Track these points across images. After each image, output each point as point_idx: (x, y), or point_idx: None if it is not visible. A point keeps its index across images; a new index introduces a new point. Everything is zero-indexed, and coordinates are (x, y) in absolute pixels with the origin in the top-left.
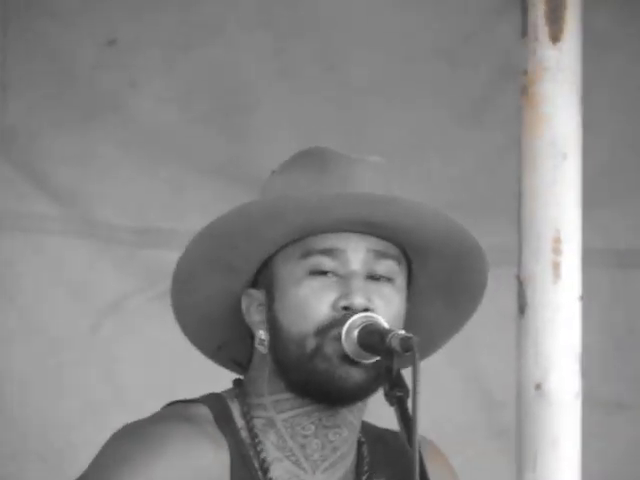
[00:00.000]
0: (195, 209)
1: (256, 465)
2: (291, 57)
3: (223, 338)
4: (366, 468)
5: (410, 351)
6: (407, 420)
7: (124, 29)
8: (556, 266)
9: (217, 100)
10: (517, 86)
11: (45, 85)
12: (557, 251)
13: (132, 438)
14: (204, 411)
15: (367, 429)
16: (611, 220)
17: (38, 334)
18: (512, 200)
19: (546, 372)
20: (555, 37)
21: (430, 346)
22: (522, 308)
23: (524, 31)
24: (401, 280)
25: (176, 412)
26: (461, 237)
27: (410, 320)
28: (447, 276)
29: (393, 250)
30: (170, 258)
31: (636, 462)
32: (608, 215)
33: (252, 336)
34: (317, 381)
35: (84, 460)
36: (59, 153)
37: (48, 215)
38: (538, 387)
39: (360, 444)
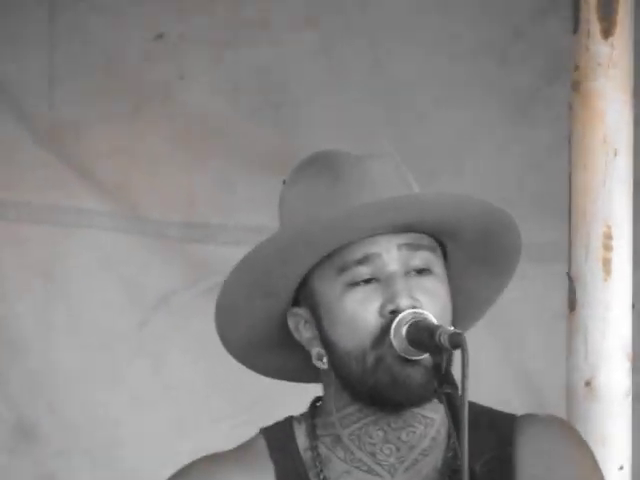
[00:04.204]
0: (244, 204)
1: None
2: (338, 55)
3: (275, 356)
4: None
5: (459, 347)
6: (456, 417)
7: (171, 24)
8: (606, 263)
9: (265, 96)
10: (568, 82)
11: (93, 78)
12: (608, 247)
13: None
14: (259, 442)
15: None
16: None
17: (87, 329)
18: (563, 197)
19: (596, 369)
20: (607, 32)
21: (471, 315)
22: (572, 305)
23: (575, 27)
24: (440, 268)
25: (229, 452)
26: (491, 212)
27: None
28: (482, 247)
29: (426, 240)
30: (218, 253)
31: None
32: None
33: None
34: (382, 392)
35: (132, 455)
36: (107, 147)
37: (97, 210)
38: (588, 384)
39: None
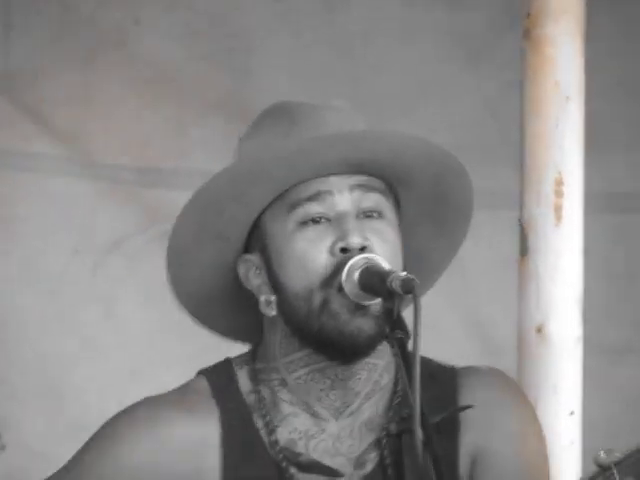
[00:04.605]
0: (196, 149)
1: (258, 426)
2: (291, 1)
3: (225, 312)
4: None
5: (411, 293)
6: (408, 362)
7: None
8: (558, 209)
9: (218, 42)
10: (520, 30)
11: (48, 25)
12: (559, 194)
13: (110, 423)
14: (202, 384)
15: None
16: (613, 164)
17: (39, 273)
18: (514, 144)
19: (547, 316)
20: None
21: (427, 277)
22: (524, 251)
23: None
24: (391, 214)
25: (171, 392)
26: (441, 157)
27: (404, 253)
28: (433, 200)
29: (378, 184)
30: (171, 198)
31: (637, 408)
32: (610, 159)
33: (256, 302)
34: (328, 337)
35: (84, 398)
36: (62, 93)
37: (51, 155)
38: (539, 330)
39: (396, 384)
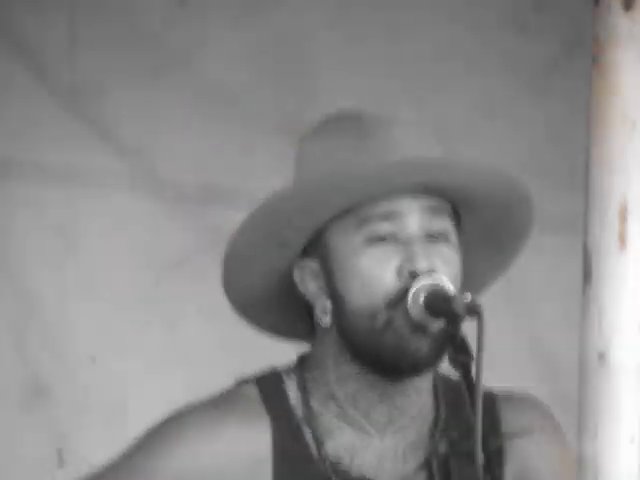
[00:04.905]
0: (260, 168)
1: (308, 439)
2: (355, 24)
3: (282, 311)
4: (442, 428)
5: (476, 315)
6: (470, 385)
7: None
8: (622, 234)
9: (285, 62)
10: (587, 55)
11: (114, 41)
12: (623, 220)
13: (158, 429)
14: (252, 391)
15: (446, 383)
16: None
17: (100, 290)
18: (579, 170)
19: (609, 342)
20: (628, 5)
21: (473, 292)
22: (587, 277)
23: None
24: (455, 237)
25: (221, 398)
26: (512, 188)
27: None
28: (495, 226)
29: (446, 206)
30: (233, 218)
31: None
32: None
33: (310, 308)
34: (388, 355)
35: (147, 415)
36: (127, 109)
37: (114, 170)
38: (601, 357)
39: (437, 406)
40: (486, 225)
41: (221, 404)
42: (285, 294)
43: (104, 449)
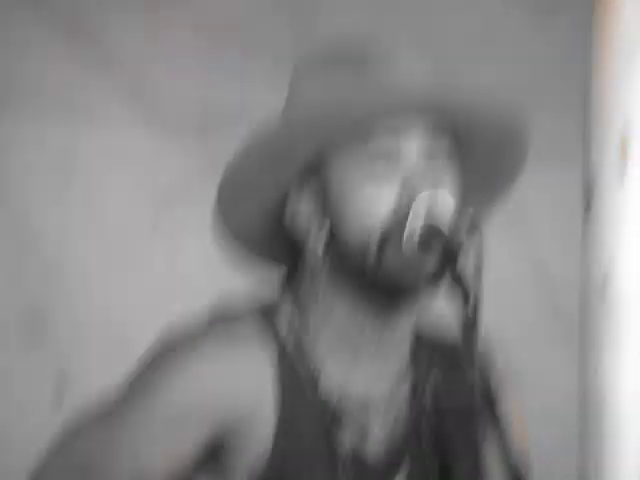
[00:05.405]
0: (261, 94)
1: (302, 372)
2: None
3: (267, 243)
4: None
5: (476, 229)
6: (468, 305)
7: None
8: (623, 163)
9: None
10: None
11: None
12: (624, 148)
13: (173, 361)
14: (249, 323)
15: (429, 338)
16: None
17: (101, 222)
18: (580, 98)
19: (611, 269)
20: None
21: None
22: (588, 205)
23: None
24: (454, 158)
25: (221, 331)
26: (509, 116)
27: None
28: (489, 157)
29: (446, 142)
30: (233, 145)
31: None
32: None
33: (298, 237)
34: (391, 272)
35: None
36: (128, 38)
37: (114, 102)
38: (603, 284)
39: (413, 352)
40: (480, 159)
41: (222, 336)
42: (275, 223)
43: (106, 380)
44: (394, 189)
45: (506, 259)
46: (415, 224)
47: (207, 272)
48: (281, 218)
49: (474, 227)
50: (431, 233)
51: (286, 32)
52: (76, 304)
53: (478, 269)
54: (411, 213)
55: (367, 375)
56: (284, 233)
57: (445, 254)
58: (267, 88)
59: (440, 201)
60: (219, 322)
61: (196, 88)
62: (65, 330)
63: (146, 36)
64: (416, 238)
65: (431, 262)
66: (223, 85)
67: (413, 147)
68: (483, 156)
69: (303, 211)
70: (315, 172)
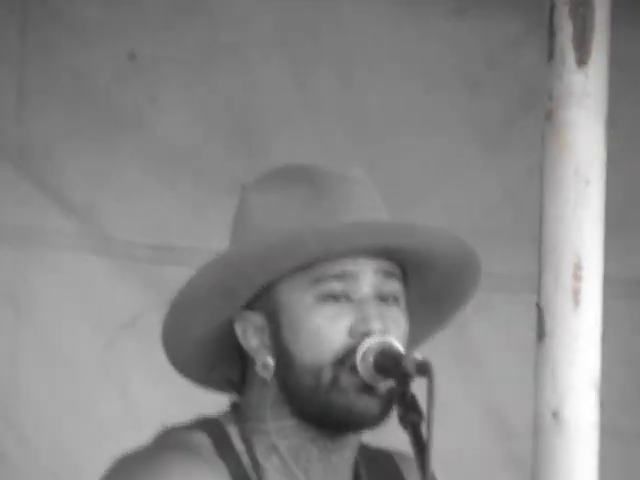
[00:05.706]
0: (214, 228)
1: None
2: (309, 82)
3: (214, 361)
4: None
5: (426, 375)
6: (421, 445)
7: (144, 45)
8: (576, 293)
9: (236, 122)
10: (542, 112)
11: (63, 99)
12: (577, 277)
13: (132, 471)
14: (203, 439)
15: (362, 448)
16: (633, 249)
17: (52, 350)
18: (535, 227)
19: (563, 400)
20: (581, 61)
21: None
22: (541, 335)
23: (550, 55)
24: (403, 300)
25: (175, 441)
26: (465, 253)
27: None
28: (439, 289)
29: (397, 270)
30: (187, 276)
31: None
32: (630, 244)
33: (245, 358)
34: (334, 414)
35: (97, 478)
36: (77, 168)
37: (65, 231)
38: (555, 415)
39: (356, 463)
40: (430, 287)
41: (178, 452)
42: (221, 344)
43: None
44: (346, 320)
45: (457, 393)
46: (368, 351)
47: (158, 401)
48: (225, 340)
49: (424, 362)
50: (386, 355)
51: (237, 163)
52: (28, 435)
53: (430, 399)
54: (363, 348)
55: None
56: (227, 354)
57: (399, 379)
58: (219, 220)
59: (388, 345)
60: (172, 433)
61: (147, 220)
62: (18, 460)
63: (96, 167)
64: (371, 359)
65: (385, 388)
66: (174, 217)
67: (365, 288)
68: (434, 284)
69: (250, 335)
70: (265, 298)
